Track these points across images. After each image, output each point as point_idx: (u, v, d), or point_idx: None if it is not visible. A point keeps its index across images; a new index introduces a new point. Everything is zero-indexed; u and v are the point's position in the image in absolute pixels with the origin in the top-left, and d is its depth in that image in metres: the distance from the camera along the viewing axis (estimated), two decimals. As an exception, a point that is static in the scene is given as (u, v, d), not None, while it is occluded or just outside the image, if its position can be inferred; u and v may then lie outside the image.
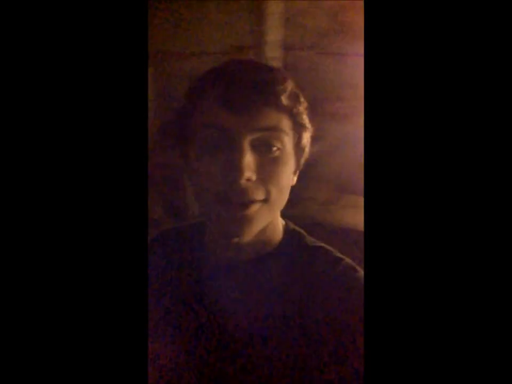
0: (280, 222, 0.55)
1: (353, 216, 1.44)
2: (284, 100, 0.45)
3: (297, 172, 0.53)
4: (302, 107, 0.48)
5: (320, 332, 0.46)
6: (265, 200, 0.45)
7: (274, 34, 1.52)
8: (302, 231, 0.57)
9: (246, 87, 0.43)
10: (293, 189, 0.52)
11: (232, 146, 0.43)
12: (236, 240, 0.47)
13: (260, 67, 0.46)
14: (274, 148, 0.45)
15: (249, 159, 0.42)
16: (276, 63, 1.41)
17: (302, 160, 0.52)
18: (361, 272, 0.50)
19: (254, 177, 0.43)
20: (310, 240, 0.55)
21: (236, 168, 0.41)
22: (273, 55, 1.52)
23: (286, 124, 0.46)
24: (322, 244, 0.55)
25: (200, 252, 0.55)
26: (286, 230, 0.55)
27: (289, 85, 0.46)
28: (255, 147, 0.44)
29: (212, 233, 0.53)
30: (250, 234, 0.46)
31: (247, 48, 1.61)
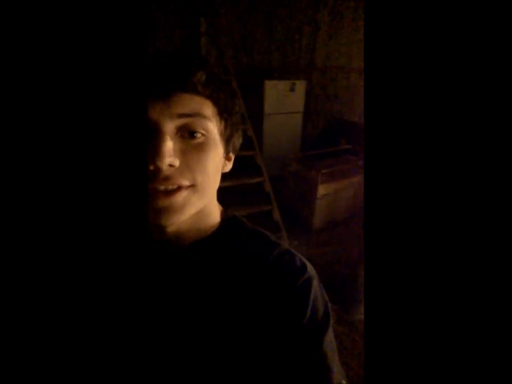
0: (218, 209, 0.56)
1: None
2: (201, 87, 0.45)
3: (232, 158, 0.55)
4: (225, 94, 0.49)
5: (256, 316, 0.48)
6: (193, 186, 0.45)
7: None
8: (241, 217, 0.58)
9: (163, 76, 0.43)
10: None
11: (154, 134, 0.42)
12: (170, 229, 0.47)
13: (177, 56, 0.47)
14: (198, 134, 0.45)
15: (170, 145, 0.42)
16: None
17: (231, 147, 0.53)
18: (298, 256, 0.53)
19: (176, 163, 0.43)
20: (249, 224, 0.56)
21: (157, 154, 0.41)
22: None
23: (209, 110, 0.46)
24: (260, 229, 0.56)
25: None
26: (224, 216, 0.56)
27: (206, 73, 0.46)
28: (179, 134, 0.44)
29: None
30: (180, 221, 0.46)
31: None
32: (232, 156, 0.55)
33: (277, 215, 3.06)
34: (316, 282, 0.52)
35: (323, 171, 3.31)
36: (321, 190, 3.33)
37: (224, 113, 0.49)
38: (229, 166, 0.55)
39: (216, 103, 0.47)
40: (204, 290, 0.49)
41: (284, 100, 4.11)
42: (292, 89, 4.13)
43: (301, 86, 4.21)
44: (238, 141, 0.55)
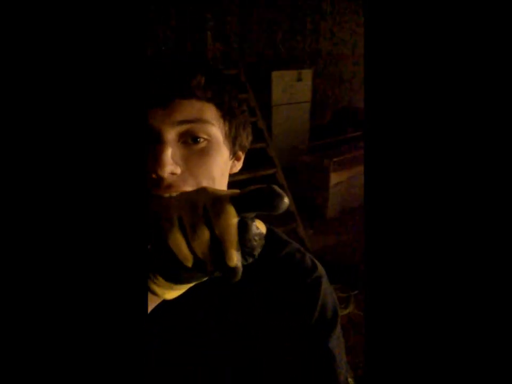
0: None
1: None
2: (200, 91, 0.44)
3: (241, 157, 0.54)
4: (228, 96, 0.48)
5: (266, 313, 0.48)
6: None
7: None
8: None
9: (160, 83, 0.43)
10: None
11: (156, 142, 0.42)
12: None
13: (174, 59, 0.46)
14: (201, 139, 0.44)
15: (172, 153, 0.42)
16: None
17: (238, 146, 0.52)
18: (308, 255, 0.53)
19: (178, 171, 0.43)
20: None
21: (158, 163, 0.41)
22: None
23: (211, 114, 0.45)
24: (271, 227, 0.54)
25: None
26: None
27: (205, 75, 0.45)
28: (182, 140, 0.44)
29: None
30: None
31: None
32: (242, 155, 0.54)
33: (291, 205, 3.07)
34: (325, 281, 0.52)
35: (335, 159, 3.31)
36: (334, 178, 3.34)
37: (227, 115, 0.48)
38: (238, 166, 0.54)
39: (218, 105, 0.47)
40: (214, 289, 0.47)
41: (291, 90, 4.09)
42: (299, 79, 4.11)
43: (307, 75, 4.19)
44: (246, 139, 0.54)
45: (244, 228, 0.30)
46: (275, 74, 3.92)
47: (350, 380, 0.46)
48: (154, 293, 0.34)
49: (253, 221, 0.31)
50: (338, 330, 0.50)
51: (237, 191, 0.31)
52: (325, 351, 0.47)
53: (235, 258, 0.29)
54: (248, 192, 0.30)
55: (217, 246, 0.29)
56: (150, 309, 0.36)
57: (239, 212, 0.29)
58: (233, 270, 0.29)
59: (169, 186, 0.43)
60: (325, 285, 0.52)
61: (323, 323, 0.49)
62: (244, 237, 0.30)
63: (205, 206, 0.30)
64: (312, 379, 0.47)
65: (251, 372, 0.47)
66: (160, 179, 0.42)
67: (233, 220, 0.29)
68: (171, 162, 0.42)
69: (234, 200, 0.29)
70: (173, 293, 0.35)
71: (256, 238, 0.31)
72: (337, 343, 0.49)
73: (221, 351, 0.47)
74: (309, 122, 4.38)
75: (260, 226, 0.32)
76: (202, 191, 0.32)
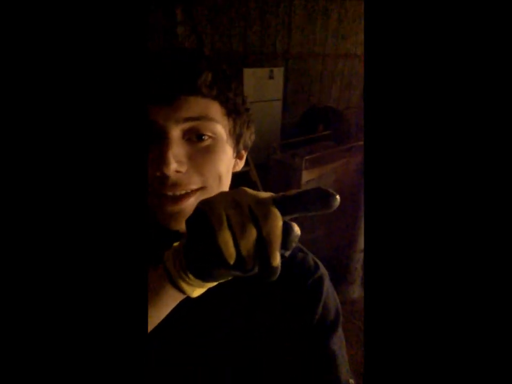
0: None
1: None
2: (206, 89, 0.44)
3: (244, 155, 0.54)
4: (233, 93, 0.47)
5: (268, 313, 0.48)
6: (203, 189, 0.44)
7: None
8: None
9: (166, 79, 0.42)
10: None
11: (160, 139, 0.42)
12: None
13: (180, 56, 0.45)
14: (206, 137, 0.44)
15: (177, 150, 0.42)
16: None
17: (241, 145, 0.52)
18: (310, 255, 0.54)
19: (183, 169, 0.42)
20: None
21: (163, 161, 0.40)
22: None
23: (216, 111, 0.45)
24: None
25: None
26: None
27: (212, 73, 0.44)
28: (186, 138, 0.43)
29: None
30: None
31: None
32: (245, 154, 0.54)
33: (264, 203, 3.08)
34: (327, 281, 0.52)
35: (306, 157, 3.34)
36: (305, 176, 3.37)
37: (232, 113, 0.48)
38: (240, 165, 0.54)
39: (223, 103, 0.46)
40: (218, 288, 0.48)
41: (262, 88, 4.10)
42: (271, 77, 4.12)
43: (279, 73, 4.21)
44: (249, 138, 0.53)
45: (287, 230, 0.30)
46: (247, 72, 3.91)
47: (351, 381, 0.49)
48: (182, 291, 0.35)
49: (293, 224, 0.32)
50: (339, 330, 0.50)
51: (272, 193, 0.32)
52: (326, 351, 0.47)
53: (278, 259, 0.30)
54: (296, 194, 0.31)
55: (261, 246, 0.30)
56: (171, 307, 0.37)
57: (282, 214, 0.30)
58: (275, 269, 0.30)
59: (174, 184, 0.42)
60: (327, 285, 0.52)
61: (325, 323, 0.49)
62: (287, 239, 0.30)
63: (249, 206, 0.30)
64: (312, 379, 0.46)
65: (251, 371, 0.47)
66: (165, 177, 0.41)
67: (280, 222, 0.30)
68: (176, 160, 0.41)
69: (277, 203, 0.30)
70: (199, 290, 0.36)
71: (296, 239, 0.31)
72: (339, 343, 0.49)
73: (222, 350, 0.47)
74: (280, 120, 4.41)
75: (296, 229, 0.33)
76: (243, 192, 0.32)
